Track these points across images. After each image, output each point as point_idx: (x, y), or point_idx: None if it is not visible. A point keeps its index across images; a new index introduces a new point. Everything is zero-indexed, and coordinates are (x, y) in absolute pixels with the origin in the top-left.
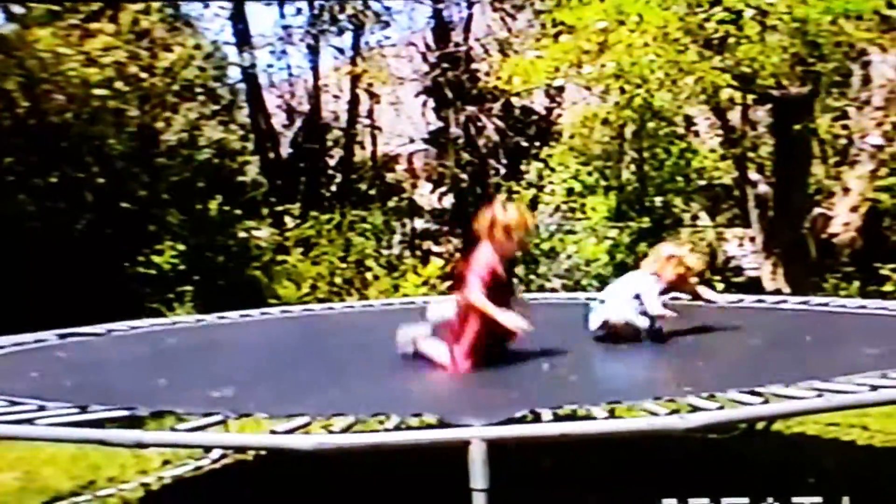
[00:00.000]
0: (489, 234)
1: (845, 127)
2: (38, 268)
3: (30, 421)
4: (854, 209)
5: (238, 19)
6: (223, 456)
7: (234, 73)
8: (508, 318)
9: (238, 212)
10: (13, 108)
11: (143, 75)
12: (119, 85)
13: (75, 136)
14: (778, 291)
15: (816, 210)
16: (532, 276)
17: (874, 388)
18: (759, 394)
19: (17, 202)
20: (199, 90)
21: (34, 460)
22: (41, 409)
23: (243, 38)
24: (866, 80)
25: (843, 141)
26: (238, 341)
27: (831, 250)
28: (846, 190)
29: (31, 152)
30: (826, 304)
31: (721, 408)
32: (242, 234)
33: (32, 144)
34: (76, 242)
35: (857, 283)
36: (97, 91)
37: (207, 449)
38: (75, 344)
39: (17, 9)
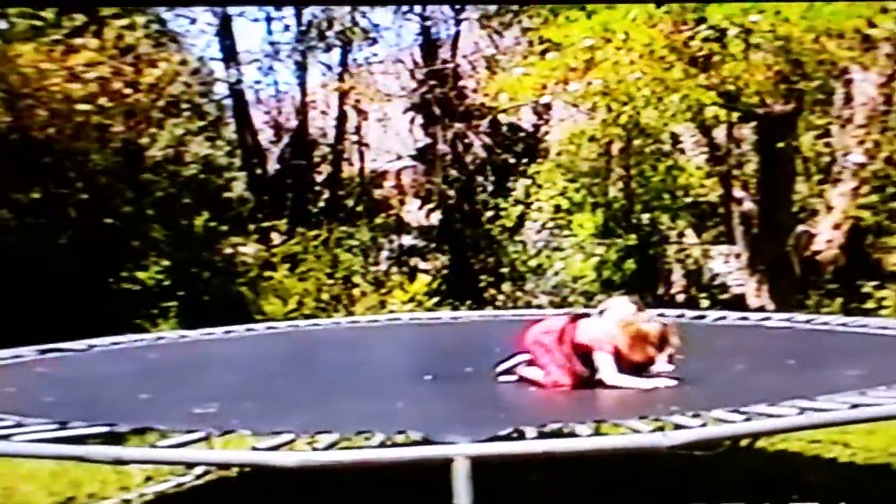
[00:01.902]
0: (623, 334)
1: (828, 145)
2: (20, 283)
3: (6, 437)
4: (837, 227)
5: (225, 35)
6: (206, 472)
7: (220, 89)
8: (645, 383)
9: (224, 228)
10: None
11: (128, 91)
12: (103, 101)
13: (58, 152)
14: (762, 308)
15: (800, 227)
16: (519, 293)
17: (854, 405)
18: (742, 412)
19: None
20: (185, 106)
21: (12, 476)
22: (19, 424)
23: (230, 54)
24: (848, 98)
25: (827, 159)
26: (222, 357)
27: (815, 267)
28: (829, 208)
29: (12, 167)
30: (809, 322)
31: (704, 425)
32: (228, 250)
33: (14, 159)
34: (59, 258)
35: (839, 300)
36: (81, 107)
37: (190, 465)
38: (55, 359)
39: None
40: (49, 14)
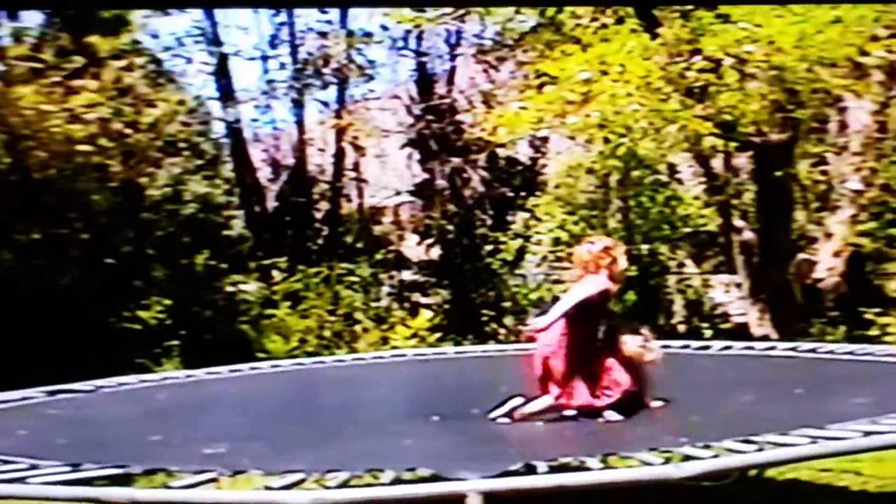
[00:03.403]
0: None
1: (824, 172)
2: (23, 324)
3: (22, 479)
4: (837, 254)
5: (222, 74)
6: None
7: (218, 128)
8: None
9: (224, 266)
10: None
11: (128, 131)
12: (103, 141)
13: (59, 192)
14: (765, 337)
15: (800, 255)
16: (521, 327)
17: (867, 433)
18: (753, 442)
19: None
20: (182, 145)
21: None
22: (33, 467)
23: (227, 93)
24: (843, 126)
25: (823, 186)
26: (229, 397)
27: (817, 295)
28: (828, 235)
29: (13, 208)
30: (814, 350)
31: (716, 456)
32: (229, 289)
33: (15, 200)
34: (61, 298)
35: (843, 328)
36: (81, 147)
37: None
38: (65, 401)
39: None
40: (48, 56)
